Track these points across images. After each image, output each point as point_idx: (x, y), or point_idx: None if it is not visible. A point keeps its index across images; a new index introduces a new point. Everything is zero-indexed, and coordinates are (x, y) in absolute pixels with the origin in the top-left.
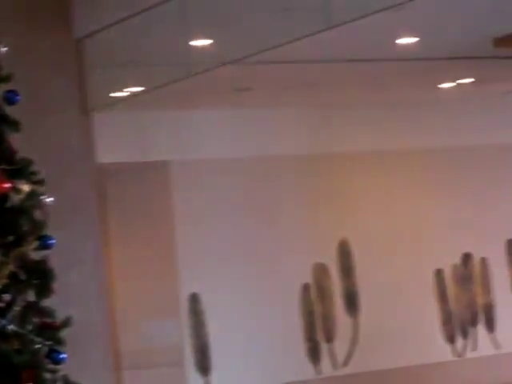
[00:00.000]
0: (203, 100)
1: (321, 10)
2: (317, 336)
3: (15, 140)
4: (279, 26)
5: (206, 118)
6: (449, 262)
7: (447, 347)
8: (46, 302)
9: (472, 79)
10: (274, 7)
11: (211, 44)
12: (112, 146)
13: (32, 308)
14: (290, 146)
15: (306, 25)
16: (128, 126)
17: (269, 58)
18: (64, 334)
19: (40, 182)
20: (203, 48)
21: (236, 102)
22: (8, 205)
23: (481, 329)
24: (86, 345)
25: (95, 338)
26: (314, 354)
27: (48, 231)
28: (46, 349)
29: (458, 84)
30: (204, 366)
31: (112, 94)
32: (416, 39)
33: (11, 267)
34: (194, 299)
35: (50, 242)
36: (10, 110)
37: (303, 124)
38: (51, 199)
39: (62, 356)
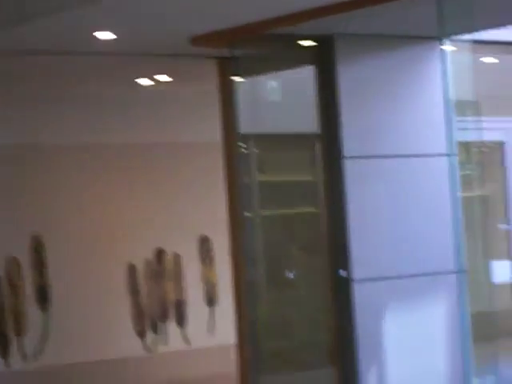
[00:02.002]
0: None
1: (14, 2)
2: (7, 330)
3: None
4: None
5: None
6: (142, 257)
7: (138, 342)
8: None
9: (169, 77)
10: None
11: None
12: None
13: None
14: None
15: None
16: None
17: None
18: None
19: None
20: None
21: None
22: None
23: (172, 324)
24: None
25: None
26: (3, 348)
27: None
28: None
29: (156, 81)
30: None
31: None
32: (112, 34)
33: None
34: None
35: None
36: None
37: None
38: None
39: None
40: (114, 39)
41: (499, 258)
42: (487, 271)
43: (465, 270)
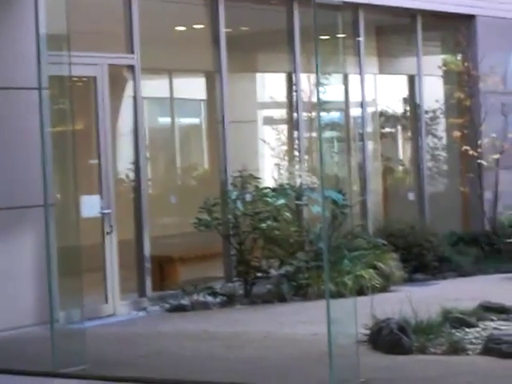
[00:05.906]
0: None
1: None
2: None
3: None
4: None
5: None
6: None
7: None
8: None
9: None
10: None
11: None
12: None
13: None
14: None
15: None
16: None
17: None
18: None
19: None
20: None
21: None
22: None
23: None
24: None
25: None
26: None
27: None
28: None
29: None
30: None
31: None
32: None
33: None
34: None
35: None
36: None
37: None
38: None
39: None
40: None
41: (89, 192)
42: (77, 206)
43: (52, 204)
